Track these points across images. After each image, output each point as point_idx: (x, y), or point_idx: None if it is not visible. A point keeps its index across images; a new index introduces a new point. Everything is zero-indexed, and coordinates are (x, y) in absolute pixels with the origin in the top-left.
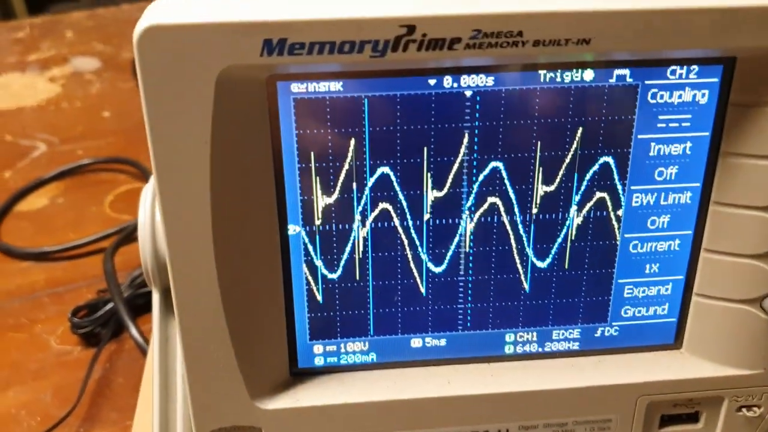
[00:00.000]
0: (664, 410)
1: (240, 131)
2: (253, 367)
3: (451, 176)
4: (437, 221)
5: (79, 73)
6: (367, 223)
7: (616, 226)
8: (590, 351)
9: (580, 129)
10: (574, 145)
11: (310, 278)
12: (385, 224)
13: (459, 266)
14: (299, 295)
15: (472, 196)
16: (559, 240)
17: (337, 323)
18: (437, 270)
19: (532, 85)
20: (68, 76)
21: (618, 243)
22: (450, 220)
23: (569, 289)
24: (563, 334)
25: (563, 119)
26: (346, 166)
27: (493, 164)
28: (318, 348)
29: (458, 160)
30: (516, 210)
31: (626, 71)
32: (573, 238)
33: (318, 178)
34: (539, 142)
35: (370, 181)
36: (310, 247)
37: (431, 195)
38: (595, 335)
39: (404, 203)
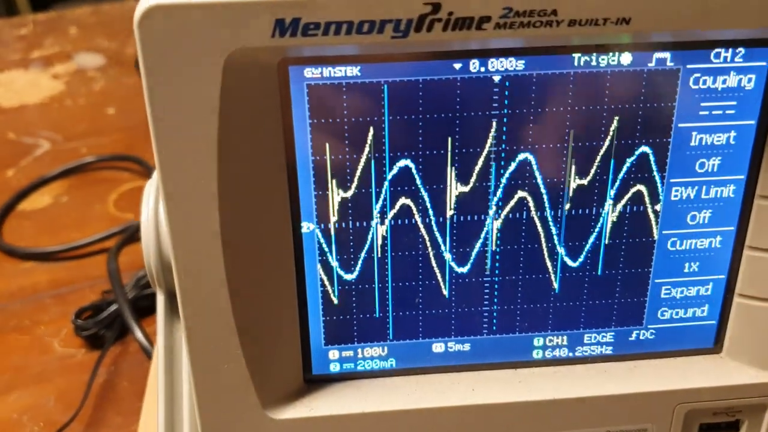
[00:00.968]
0: (703, 419)
1: (249, 121)
2: (265, 374)
3: (477, 169)
4: (461, 218)
5: (83, 69)
6: (386, 221)
7: (653, 221)
8: (624, 356)
9: (617, 117)
10: (610, 135)
11: (325, 279)
12: (406, 221)
13: (484, 266)
14: (313, 298)
15: (500, 190)
16: (593, 237)
17: (353, 327)
18: (461, 270)
19: (565, 69)
20: (72, 73)
21: (655, 240)
22: (475, 217)
23: (602, 290)
24: (595, 337)
25: (598, 107)
26: (364, 159)
27: (522, 156)
28: (333, 353)
29: (485, 151)
30: (546, 205)
31: (667, 54)
32: (607, 235)
33: (333, 171)
34: (572, 132)
35: (390, 175)
36: (325, 246)
37: (455, 190)
38: (630, 339)
39: (426, 199)
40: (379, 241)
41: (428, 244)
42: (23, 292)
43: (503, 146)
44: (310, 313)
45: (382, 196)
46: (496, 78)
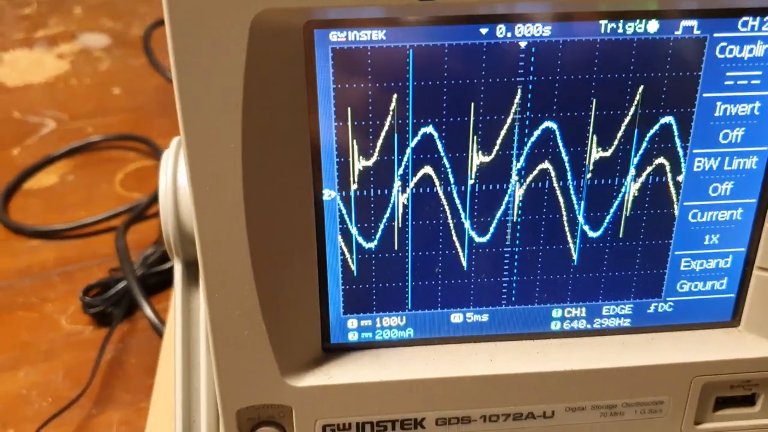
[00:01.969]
0: (720, 392)
1: (274, 84)
2: (284, 341)
3: (500, 137)
4: (483, 187)
5: (88, 50)
6: (408, 189)
7: (675, 193)
8: (642, 328)
9: (641, 86)
10: (634, 104)
11: (344, 248)
12: (427, 190)
13: (504, 236)
14: (333, 266)
15: (522, 158)
16: (614, 208)
17: (372, 296)
18: (481, 240)
19: (591, 36)
20: (77, 53)
21: (676, 212)
22: (497, 186)
23: (622, 262)
24: (614, 309)
25: (624, 75)
26: (387, 125)
27: (546, 124)
28: (352, 323)
29: (509, 119)
30: (569, 175)
31: (694, 22)
32: (628, 206)
33: (356, 138)
34: (596, 100)
35: (413, 142)
36: (346, 215)
37: (478, 158)
38: (648, 311)
39: (448, 167)
40: (400, 210)
41: (448, 213)
42: (30, 269)
43: (527, 114)
44: (330, 281)
45: (404, 164)
46: (522, 44)
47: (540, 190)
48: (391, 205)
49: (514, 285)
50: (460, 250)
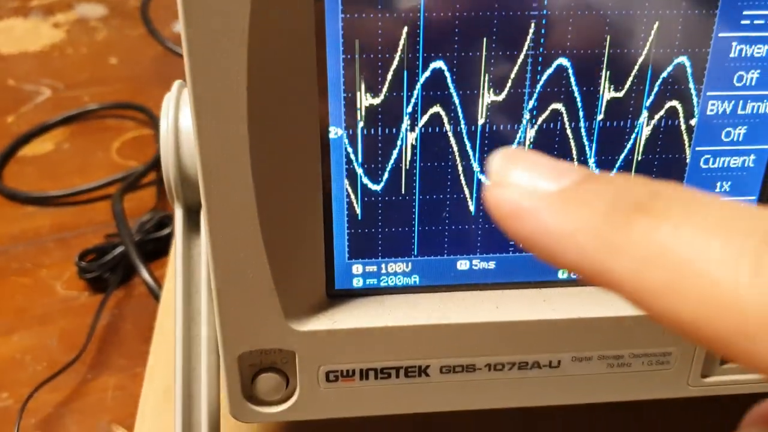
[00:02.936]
0: None
1: (281, 14)
2: (289, 285)
3: (512, 74)
4: (494, 127)
5: (85, 19)
6: (416, 128)
7: (686, 137)
8: None
9: (656, 24)
10: (648, 43)
11: (350, 190)
12: (436, 129)
13: None
14: (339, 209)
15: (534, 97)
16: (625, 152)
17: (378, 241)
18: None
19: None
20: (73, 22)
21: (688, 157)
22: (508, 127)
23: None
24: None
25: (639, 11)
26: (397, 59)
27: (559, 61)
28: (357, 268)
29: (521, 55)
30: (581, 116)
31: None
32: (640, 150)
33: (364, 72)
34: (610, 37)
35: (423, 78)
36: (352, 154)
37: (489, 96)
38: None
39: (458, 105)
40: (408, 150)
41: (457, 154)
42: (25, 235)
43: (540, 50)
44: (335, 225)
45: (414, 101)
46: None
47: (551, 131)
48: (398, 145)
49: None
50: (468, 194)
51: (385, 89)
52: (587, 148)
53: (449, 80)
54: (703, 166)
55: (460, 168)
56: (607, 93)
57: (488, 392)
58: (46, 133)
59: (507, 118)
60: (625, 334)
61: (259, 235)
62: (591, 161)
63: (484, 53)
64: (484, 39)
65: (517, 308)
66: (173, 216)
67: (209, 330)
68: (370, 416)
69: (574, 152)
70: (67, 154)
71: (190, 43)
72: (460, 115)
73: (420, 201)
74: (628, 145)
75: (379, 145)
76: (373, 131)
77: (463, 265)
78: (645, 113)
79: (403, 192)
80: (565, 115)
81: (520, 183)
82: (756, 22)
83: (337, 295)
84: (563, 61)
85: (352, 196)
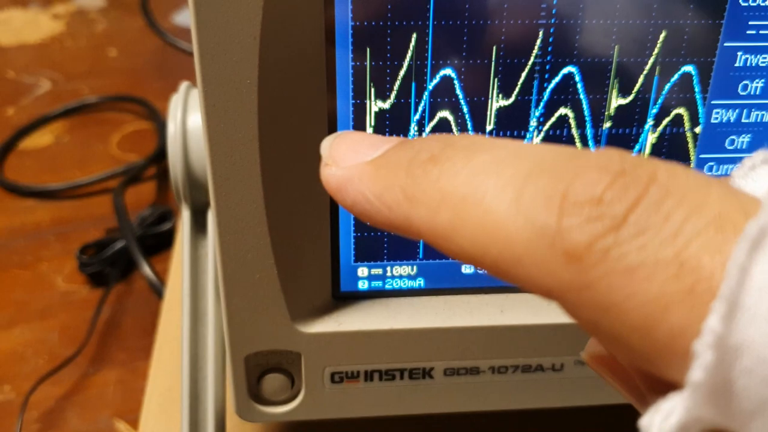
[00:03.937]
0: None
1: (292, 20)
2: (295, 287)
3: (520, 82)
4: (501, 133)
5: (84, 11)
6: (424, 134)
7: (691, 144)
8: None
9: (663, 33)
10: (655, 51)
11: None
12: None
13: None
14: (345, 213)
15: (542, 104)
16: None
17: (384, 245)
18: None
19: None
20: (72, 13)
21: (692, 164)
22: (515, 133)
23: None
24: None
25: (646, 20)
26: (405, 66)
27: (567, 69)
28: (363, 271)
29: (530, 62)
30: (588, 123)
31: None
32: (646, 156)
33: (373, 79)
34: (618, 46)
35: (431, 85)
36: None
37: (497, 103)
38: None
39: (466, 112)
40: None
41: None
42: (25, 228)
43: (548, 58)
44: (341, 228)
45: (422, 108)
46: None
47: (558, 137)
48: None
49: None
50: None
51: (393, 95)
52: None
53: (457, 87)
54: (707, 174)
55: None
56: (614, 100)
57: (491, 394)
58: (46, 125)
59: (515, 124)
60: None
61: (267, 238)
62: None
63: (492, 61)
64: (493, 47)
65: (521, 312)
66: (177, 214)
67: (215, 330)
68: (375, 417)
69: None
70: (67, 147)
71: (201, 47)
72: (468, 121)
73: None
74: (634, 152)
75: None
76: None
77: (467, 268)
78: (651, 120)
79: None
80: (572, 122)
81: (343, 160)
82: (761, 32)
83: (343, 298)
84: (571, 68)
85: None
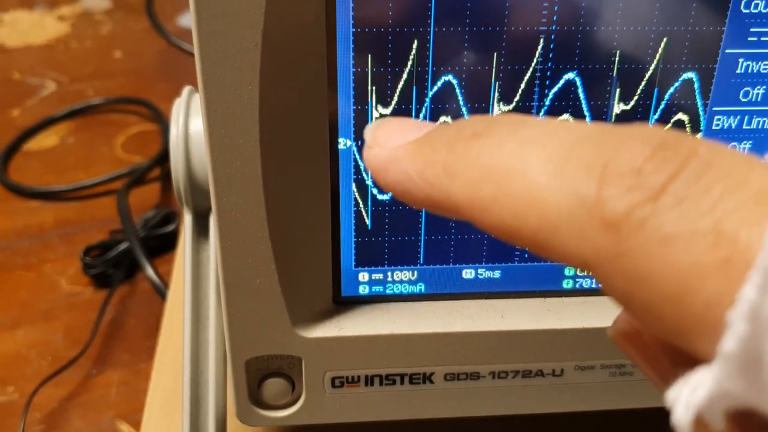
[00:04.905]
0: None
1: (293, 27)
2: (296, 292)
3: (521, 88)
4: None
5: (90, 12)
6: None
7: None
8: None
9: (665, 39)
10: (657, 58)
11: (359, 199)
12: None
13: None
14: (346, 218)
15: (543, 111)
16: None
17: (385, 250)
18: None
19: None
20: (78, 15)
21: None
22: None
23: None
24: None
25: (647, 27)
26: (406, 73)
27: (567, 76)
28: (363, 276)
29: (530, 69)
30: None
31: None
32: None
33: (374, 85)
34: (619, 53)
35: (432, 91)
36: (361, 164)
37: (497, 109)
38: None
39: (467, 116)
40: None
41: None
42: (29, 230)
43: (549, 64)
44: (342, 233)
45: (422, 114)
46: None
47: None
48: None
49: None
50: None
51: (395, 101)
52: None
53: (458, 93)
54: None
55: None
56: (616, 107)
57: (492, 399)
58: (51, 127)
59: None
60: None
61: (268, 243)
62: None
63: (493, 67)
64: (494, 54)
65: (521, 317)
66: (181, 216)
67: (217, 334)
68: (375, 422)
69: None
70: (72, 149)
71: (203, 53)
72: None
73: (427, 210)
74: None
75: None
76: None
77: (468, 273)
78: None
79: None
80: None
81: (386, 142)
82: (763, 38)
83: (344, 303)
84: (572, 75)
85: (361, 206)
